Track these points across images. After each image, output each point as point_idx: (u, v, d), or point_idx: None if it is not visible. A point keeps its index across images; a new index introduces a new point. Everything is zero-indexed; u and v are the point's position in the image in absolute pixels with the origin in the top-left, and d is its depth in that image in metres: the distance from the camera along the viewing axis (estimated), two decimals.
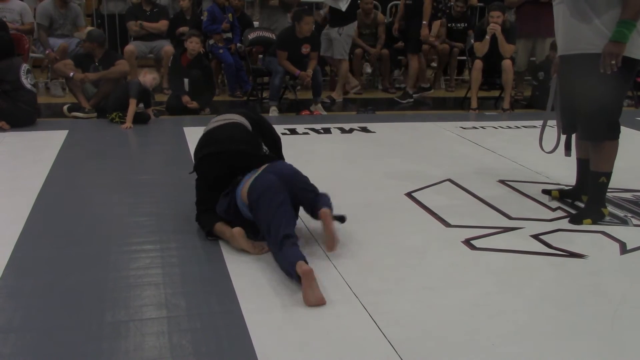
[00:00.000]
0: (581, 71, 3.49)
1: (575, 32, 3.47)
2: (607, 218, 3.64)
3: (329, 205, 3.12)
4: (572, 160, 3.88)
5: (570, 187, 4.06)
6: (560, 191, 4.06)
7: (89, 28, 6.83)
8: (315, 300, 2.58)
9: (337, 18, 7.65)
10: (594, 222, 3.58)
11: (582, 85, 3.52)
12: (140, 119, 6.06)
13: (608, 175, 3.60)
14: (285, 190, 3.01)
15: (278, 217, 2.92)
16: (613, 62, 3.31)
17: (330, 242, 3.05)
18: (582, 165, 3.87)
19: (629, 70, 3.44)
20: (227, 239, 3.14)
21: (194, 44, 6.66)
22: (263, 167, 3.16)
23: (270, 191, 2.98)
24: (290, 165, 3.23)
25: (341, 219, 3.22)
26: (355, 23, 7.97)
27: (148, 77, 6.11)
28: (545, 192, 4.11)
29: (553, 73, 3.81)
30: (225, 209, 3.18)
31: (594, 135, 3.58)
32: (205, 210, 3.31)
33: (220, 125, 3.41)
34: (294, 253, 2.77)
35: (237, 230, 3.09)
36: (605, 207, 3.66)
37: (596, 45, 3.37)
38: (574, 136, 3.85)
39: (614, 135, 3.56)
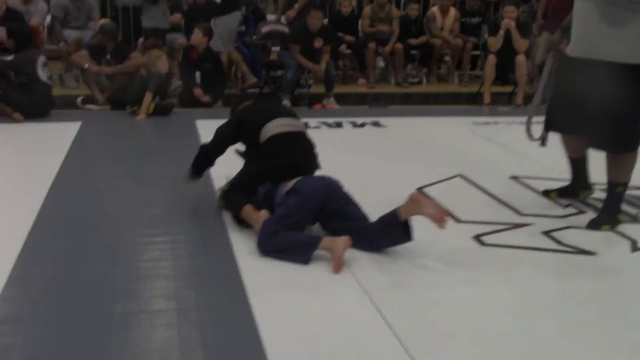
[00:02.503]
0: (601, 79, 3.22)
1: (602, 36, 3.22)
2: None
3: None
4: None
5: (566, 186, 3.98)
6: (559, 191, 3.98)
7: (103, 20, 6.85)
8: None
9: (213, 8, 7.35)
10: (613, 228, 3.48)
11: (601, 94, 3.24)
12: (162, 110, 6.09)
13: (625, 185, 3.50)
14: (322, 200, 3.09)
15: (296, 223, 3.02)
16: None
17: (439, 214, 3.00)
18: (575, 165, 3.85)
19: None
20: (253, 222, 3.16)
21: (195, 36, 6.67)
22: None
23: (309, 196, 3.08)
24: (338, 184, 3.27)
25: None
26: (239, 13, 7.58)
27: (160, 66, 6.10)
28: (545, 193, 4.03)
29: (547, 59, 3.69)
30: (265, 193, 3.25)
31: (613, 147, 3.42)
32: (238, 192, 3.37)
33: (295, 134, 3.44)
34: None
35: (264, 213, 3.12)
36: (622, 214, 3.58)
37: (623, 54, 3.16)
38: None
39: (635, 146, 3.42)
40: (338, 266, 2.83)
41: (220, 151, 3.56)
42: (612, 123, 3.30)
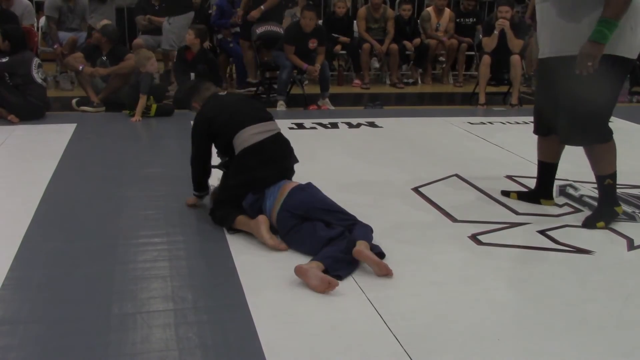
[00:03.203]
0: (568, 74, 3.27)
1: (562, 33, 3.30)
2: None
3: (366, 238, 2.95)
4: (580, 155, 3.86)
5: (529, 190, 3.96)
6: (519, 193, 3.95)
7: (105, 21, 6.84)
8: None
9: (169, 7, 7.27)
10: (608, 225, 3.50)
11: (568, 89, 3.33)
12: (164, 111, 6.08)
13: (612, 176, 3.49)
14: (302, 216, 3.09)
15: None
16: (590, 63, 3.12)
17: (382, 270, 2.83)
18: (543, 168, 3.83)
19: (621, 71, 3.32)
20: (251, 229, 3.13)
21: (189, 37, 6.67)
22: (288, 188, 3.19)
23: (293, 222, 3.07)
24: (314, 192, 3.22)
25: (380, 254, 2.93)
26: (191, 14, 7.48)
27: (150, 67, 6.06)
28: (504, 193, 3.99)
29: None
30: (251, 203, 3.22)
31: (581, 140, 3.45)
32: (225, 206, 3.31)
33: (271, 139, 3.33)
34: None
35: (262, 217, 3.11)
36: (619, 205, 3.58)
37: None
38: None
39: (604, 138, 3.42)
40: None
41: (205, 157, 3.45)
42: (580, 116, 3.34)
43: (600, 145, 3.44)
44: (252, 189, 3.25)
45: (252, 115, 3.38)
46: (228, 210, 3.28)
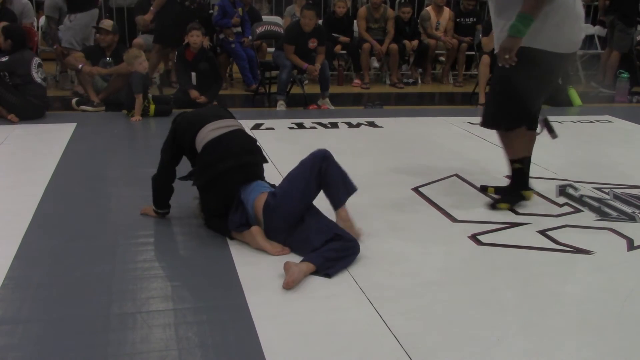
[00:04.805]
0: (498, 67, 3.50)
1: (498, 28, 3.47)
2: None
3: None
4: (578, 155, 3.87)
5: (507, 185, 3.96)
6: (496, 188, 3.98)
7: (107, 21, 6.84)
8: None
9: (73, 4, 6.98)
10: (511, 207, 3.67)
11: (494, 77, 3.68)
12: (162, 111, 6.07)
13: (521, 161, 3.69)
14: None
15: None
16: (507, 56, 3.30)
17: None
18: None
19: (545, 63, 3.40)
20: (247, 241, 3.09)
21: (194, 38, 6.63)
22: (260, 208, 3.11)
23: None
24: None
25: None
26: (95, 11, 7.19)
27: (138, 66, 6.01)
28: (482, 188, 4.06)
29: None
30: (238, 225, 3.12)
31: (491, 124, 3.70)
32: (216, 215, 3.25)
33: (230, 134, 3.26)
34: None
35: (255, 228, 3.06)
36: (528, 190, 3.73)
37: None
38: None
39: (517, 124, 3.60)
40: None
41: (169, 174, 3.36)
42: (495, 102, 3.64)
43: (509, 132, 3.66)
44: (221, 187, 3.15)
45: (211, 114, 3.37)
46: (220, 223, 3.22)
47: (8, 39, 5.75)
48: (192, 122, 3.30)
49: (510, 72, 3.38)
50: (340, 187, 3.09)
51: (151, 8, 7.44)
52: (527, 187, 3.74)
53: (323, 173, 3.04)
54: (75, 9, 6.86)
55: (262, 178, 3.30)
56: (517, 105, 3.53)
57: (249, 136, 3.41)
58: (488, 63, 7.16)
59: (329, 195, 3.11)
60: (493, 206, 3.71)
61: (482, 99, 7.29)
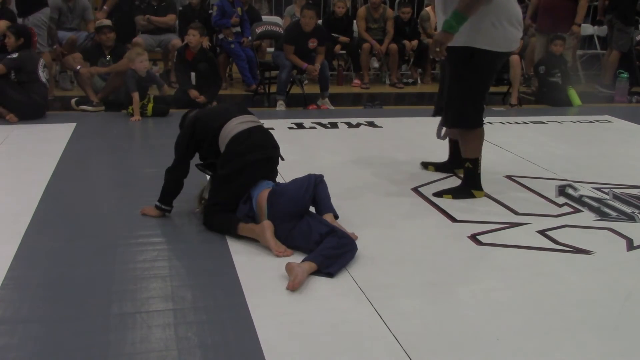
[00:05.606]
0: (449, 63, 3.73)
1: (440, 24, 3.60)
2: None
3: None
4: (578, 155, 3.87)
5: (444, 162, 4.45)
6: (436, 165, 4.43)
7: (107, 21, 6.84)
8: None
9: (25, 5, 6.83)
10: (454, 198, 3.83)
11: (448, 77, 3.80)
12: (159, 111, 6.07)
13: (473, 162, 3.84)
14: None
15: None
16: (437, 49, 3.50)
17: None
18: (454, 145, 4.27)
19: (485, 62, 3.62)
20: (256, 235, 3.08)
21: (190, 37, 6.63)
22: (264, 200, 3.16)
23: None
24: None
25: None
26: (47, 10, 6.91)
27: (139, 64, 6.00)
28: (423, 165, 4.50)
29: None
30: (244, 215, 3.20)
31: (450, 123, 3.93)
32: (220, 210, 3.26)
33: (256, 128, 3.33)
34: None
35: (267, 222, 3.06)
36: (479, 190, 3.88)
37: (456, 39, 3.51)
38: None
39: (469, 124, 3.78)
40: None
41: (184, 168, 3.40)
42: (450, 101, 3.82)
43: (467, 131, 3.82)
44: (245, 179, 3.21)
45: (236, 109, 3.46)
46: (226, 216, 3.23)
47: (21, 37, 5.79)
48: (215, 116, 3.39)
49: (457, 71, 3.65)
50: (328, 201, 3.23)
51: (104, 7, 7.47)
52: (479, 187, 3.90)
53: (317, 185, 3.18)
54: (27, 12, 6.74)
55: (277, 174, 3.42)
56: (470, 104, 3.74)
57: (271, 133, 3.46)
58: None
59: (316, 202, 3.20)
60: (439, 194, 3.89)
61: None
